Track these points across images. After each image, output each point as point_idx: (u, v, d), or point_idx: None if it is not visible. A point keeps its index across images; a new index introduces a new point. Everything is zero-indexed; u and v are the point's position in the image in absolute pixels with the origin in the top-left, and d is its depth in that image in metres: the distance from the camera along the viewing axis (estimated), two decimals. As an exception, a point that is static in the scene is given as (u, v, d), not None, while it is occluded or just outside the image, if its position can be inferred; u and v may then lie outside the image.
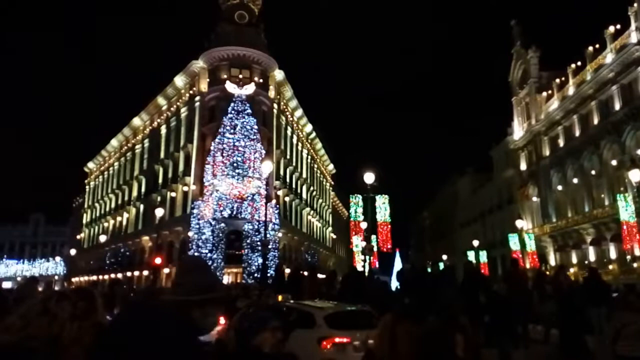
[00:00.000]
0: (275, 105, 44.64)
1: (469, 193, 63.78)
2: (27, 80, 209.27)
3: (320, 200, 63.25)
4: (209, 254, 34.64)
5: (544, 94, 44.71)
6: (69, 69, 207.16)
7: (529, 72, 47.07)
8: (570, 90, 40.03)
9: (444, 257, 59.26)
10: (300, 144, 53.98)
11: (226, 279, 35.06)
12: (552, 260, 41.65)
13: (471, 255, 48.54)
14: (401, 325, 2.72)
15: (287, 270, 19.72)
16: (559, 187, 41.64)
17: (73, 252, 67.84)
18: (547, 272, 26.13)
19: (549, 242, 42.87)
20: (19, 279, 76.28)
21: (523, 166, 48.74)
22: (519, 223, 42.41)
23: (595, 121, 37.00)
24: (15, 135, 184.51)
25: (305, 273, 15.46)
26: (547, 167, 43.81)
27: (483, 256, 48.00)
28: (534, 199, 46.28)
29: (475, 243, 49.16)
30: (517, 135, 49.72)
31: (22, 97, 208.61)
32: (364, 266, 22.16)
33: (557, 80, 42.19)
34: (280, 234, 40.02)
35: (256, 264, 33.99)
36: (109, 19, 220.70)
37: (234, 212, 35.57)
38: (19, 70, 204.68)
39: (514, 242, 42.95)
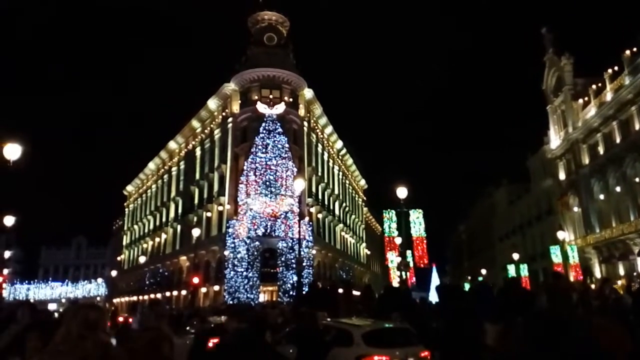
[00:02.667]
0: (306, 123, 45.12)
1: (506, 205, 62.23)
2: (68, 110, 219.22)
3: (352, 216, 63.04)
4: (244, 273, 34.98)
5: (580, 100, 43.51)
6: (108, 98, 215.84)
7: (564, 80, 45.96)
8: (608, 95, 38.82)
9: (483, 271, 57.76)
10: (331, 161, 54.20)
11: (262, 297, 35.24)
12: (597, 273, 39.96)
13: (511, 269, 47.20)
14: None
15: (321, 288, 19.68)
16: (601, 196, 40.13)
17: (114, 273, 69.70)
18: (593, 285, 25.08)
19: (593, 254, 41.20)
20: (63, 300, 78.87)
21: (562, 176, 47.30)
22: (560, 234, 40.98)
23: (637, 126, 35.66)
24: (57, 161, 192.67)
25: (340, 290, 15.40)
26: (588, 176, 42.37)
27: (524, 270, 46.56)
28: (575, 209, 44.72)
29: (515, 256, 47.74)
30: (553, 144, 48.42)
31: (64, 127, 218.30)
32: (400, 282, 21.91)
33: (594, 87, 41.02)
34: (314, 251, 40.04)
35: (291, 281, 34.07)
36: (149, 50, 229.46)
37: (268, 230, 35.91)
38: (59, 100, 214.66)
39: (555, 255, 41.50)
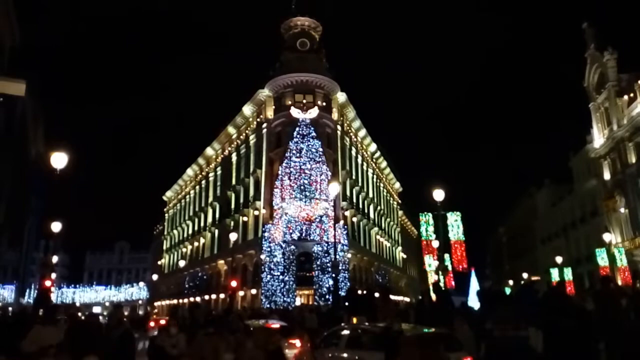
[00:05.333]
0: (339, 127, 45.14)
1: (548, 206, 60.23)
2: (109, 118, 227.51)
3: (388, 220, 62.50)
4: (280, 276, 35.24)
5: (625, 97, 41.69)
6: (147, 107, 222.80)
7: (607, 76, 44.16)
8: (656, 91, 37.06)
9: (525, 275, 56.01)
10: (365, 164, 53.97)
11: (298, 301, 35.38)
12: (647, 277, 38.08)
13: (555, 273, 45.63)
14: None
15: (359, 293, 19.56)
16: (650, 196, 38.28)
17: (155, 277, 71.61)
18: (643, 290, 23.88)
19: (643, 257, 39.29)
20: (107, 304, 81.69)
21: (606, 175, 45.40)
22: (606, 237, 39.25)
23: (688, 122, 33.85)
24: (99, 169, 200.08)
25: (377, 294, 15.24)
26: (635, 176, 40.49)
27: (568, 273, 44.87)
28: (622, 210, 42.80)
29: (559, 259, 45.98)
30: (597, 143, 46.57)
31: (106, 135, 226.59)
32: (438, 286, 21.51)
33: (639, 82, 39.28)
34: (349, 255, 39.91)
35: (327, 285, 34.07)
36: (186, 58, 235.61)
37: (303, 234, 36.05)
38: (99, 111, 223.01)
39: (601, 258, 39.81)
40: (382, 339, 7.28)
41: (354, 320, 11.32)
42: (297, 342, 11.08)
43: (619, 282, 35.61)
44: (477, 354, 7.32)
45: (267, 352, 3.83)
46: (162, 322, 28.25)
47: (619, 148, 42.60)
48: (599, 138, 46.63)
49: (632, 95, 40.79)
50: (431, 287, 20.53)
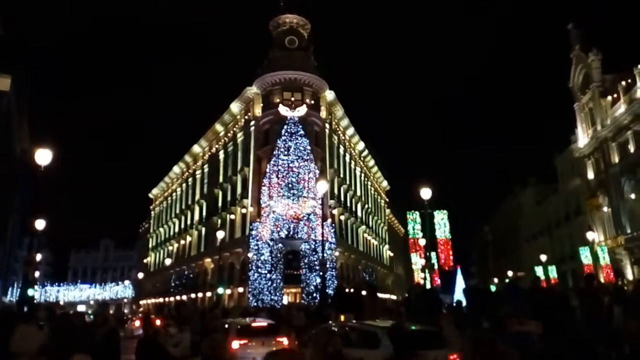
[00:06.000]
0: (327, 125, 45.14)
1: (533, 205, 60.97)
2: (94, 115, 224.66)
3: (375, 218, 62.73)
4: (268, 275, 35.15)
5: (609, 98, 42.32)
6: (133, 104, 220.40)
7: (591, 76, 44.79)
8: (639, 92, 37.68)
9: (509, 273, 56.71)
10: (353, 162, 54.07)
11: (285, 299, 35.34)
12: (629, 274, 38.76)
13: (539, 271, 46.23)
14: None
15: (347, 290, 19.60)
16: (632, 196, 38.91)
17: (141, 275, 70.94)
18: (625, 287, 24.32)
19: (625, 255, 39.97)
20: (91, 302, 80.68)
21: (590, 175, 46.09)
22: (589, 235, 39.87)
23: (670, 123, 34.49)
24: (84, 165, 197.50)
25: (364, 292, 15.28)
26: (617, 175, 41.17)
27: (552, 271, 45.51)
28: (605, 209, 43.50)
29: (543, 258, 46.56)
30: (582, 143, 47.23)
31: (91, 132, 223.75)
32: (424, 284, 21.66)
33: (623, 83, 39.84)
34: (337, 253, 39.97)
35: (314, 283, 34.10)
36: (173, 56, 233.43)
37: (291, 232, 36.01)
38: (88, 107, 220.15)
39: (585, 256, 40.46)
40: (393, 337, 7.32)
41: (342, 318, 11.34)
42: (284, 340, 11.08)
43: (602, 280, 36.22)
44: (462, 351, 7.39)
45: (326, 355, 3.59)
46: (158, 322, 28.03)
47: (603, 148, 43.25)
48: (583, 138, 47.29)
49: (615, 95, 41.43)
50: (416, 285, 20.69)
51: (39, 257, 40.34)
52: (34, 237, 28.27)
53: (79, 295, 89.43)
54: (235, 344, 10.77)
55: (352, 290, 18.17)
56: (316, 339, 3.99)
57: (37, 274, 44.35)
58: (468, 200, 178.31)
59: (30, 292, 24.91)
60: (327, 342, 3.83)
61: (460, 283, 60.04)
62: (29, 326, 7.36)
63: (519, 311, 6.30)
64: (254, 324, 12.16)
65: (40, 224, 24.41)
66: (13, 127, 40.45)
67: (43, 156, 15.02)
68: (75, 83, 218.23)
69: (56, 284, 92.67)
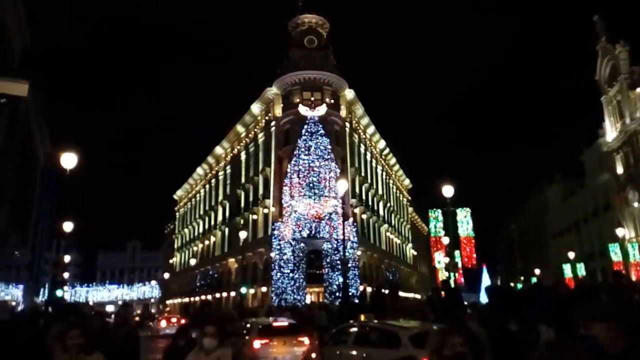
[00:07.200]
0: (348, 124, 45.00)
1: (560, 201, 59.58)
2: (122, 119, 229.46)
3: (397, 217, 62.28)
4: (290, 274, 35.26)
5: (638, 90, 41.09)
6: (159, 107, 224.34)
7: (619, 68, 43.54)
8: (670, 83, 36.46)
9: (537, 271, 55.57)
10: (374, 161, 53.78)
11: (308, 299, 35.39)
12: (662, 272, 37.54)
13: (567, 269, 45.20)
14: None
15: (369, 289, 19.52)
16: (664, 190, 37.72)
17: (166, 275, 72.09)
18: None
19: (657, 252, 38.72)
20: (119, 302, 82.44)
21: (619, 169, 44.78)
22: (619, 232, 38.76)
23: (703, 115, 33.23)
24: (111, 168, 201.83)
25: (386, 291, 15.18)
26: (648, 169, 39.91)
27: (581, 269, 44.39)
28: (635, 204, 42.19)
29: (571, 255, 45.46)
30: (610, 137, 45.93)
31: (119, 135, 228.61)
32: (447, 283, 21.37)
33: (653, 74, 38.67)
34: (359, 252, 39.82)
35: (337, 282, 34.02)
36: (197, 59, 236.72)
37: (313, 232, 36.05)
38: (113, 109, 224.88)
39: (615, 253, 39.36)
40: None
41: (362, 317, 11.28)
42: (306, 340, 11.08)
43: (633, 278, 35.15)
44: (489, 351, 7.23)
45: (442, 358, 2.92)
46: (174, 320, 28.31)
47: (632, 141, 42.00)
48: (611, 131, 45.99)
49: (644, 87, 40.16)
50: (440, 285, 20.41)
51: (67, 258, 41.36)
52: (62, 240, 28.99)
53: (108, 295, 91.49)
54: (257, 344, 10.84)
55: (374, 290, 18.07)
56: (429, 340, 2.89)
57: (66, 275, 45.47)
58: (493, 198, 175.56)
59: (59, 292, 25.59)
60: (442, 342, 3.07)
61: (486, 282, 59.19)
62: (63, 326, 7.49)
63: (543, 313, 6.10)
64: (275, 324, 12.21)
65: (68, 227, 25.02)
66: (34, 132, 41.51)
67: (68, 160, 15.36)
68: (100, 86, 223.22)
69: (85, 284, 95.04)
